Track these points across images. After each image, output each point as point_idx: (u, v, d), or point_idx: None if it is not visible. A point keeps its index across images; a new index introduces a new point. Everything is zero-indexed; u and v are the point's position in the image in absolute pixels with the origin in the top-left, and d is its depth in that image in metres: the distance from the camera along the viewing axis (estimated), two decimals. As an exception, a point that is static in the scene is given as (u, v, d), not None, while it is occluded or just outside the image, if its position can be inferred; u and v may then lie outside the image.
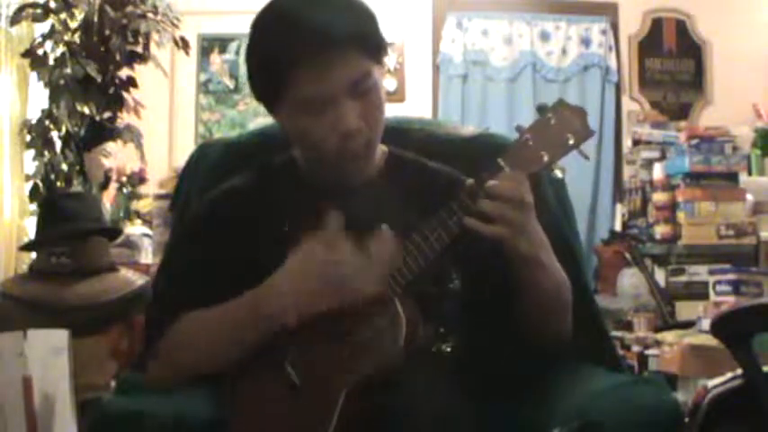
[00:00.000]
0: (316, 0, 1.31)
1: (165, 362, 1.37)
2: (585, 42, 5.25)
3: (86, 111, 3.64)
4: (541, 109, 1.29)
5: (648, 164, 4.29)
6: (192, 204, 1.68)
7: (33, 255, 3.05)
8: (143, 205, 4.15)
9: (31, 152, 3.74)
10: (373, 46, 1.34)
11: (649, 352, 3.53)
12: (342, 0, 1.33)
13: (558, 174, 1.30)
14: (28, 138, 3.70)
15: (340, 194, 1.40)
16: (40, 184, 3.66)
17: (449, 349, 1.36)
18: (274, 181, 1.47)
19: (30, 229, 3.84)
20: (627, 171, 4.82)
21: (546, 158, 1.26)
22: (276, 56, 1.30)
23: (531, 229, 1.28)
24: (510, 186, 1.24)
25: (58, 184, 3.62)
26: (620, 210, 4.73)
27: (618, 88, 5.28)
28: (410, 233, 1.27)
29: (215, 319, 1.34)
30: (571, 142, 1.26)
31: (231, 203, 1.45)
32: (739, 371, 2.21)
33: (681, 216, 3.95)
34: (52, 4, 3.66)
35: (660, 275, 4.06)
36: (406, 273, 1.26)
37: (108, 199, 4.02)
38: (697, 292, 3.70)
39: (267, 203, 1.43)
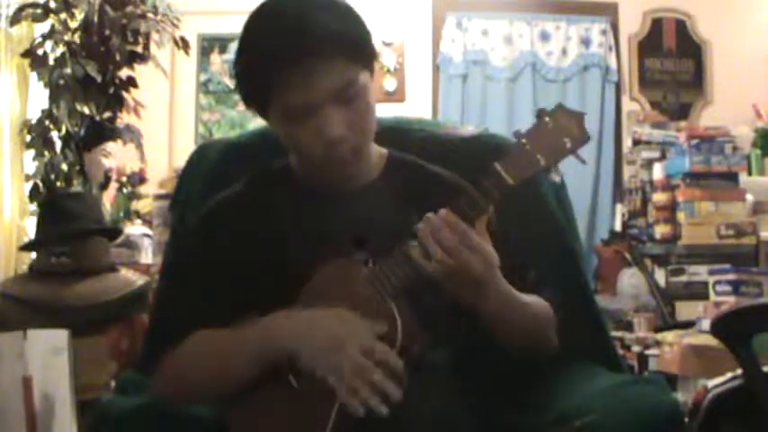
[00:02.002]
0: (301, 6, 1.30)
1: (169, 382, 1.37)
2: (585, 42, 5.24)
3: (86, 111, 3.64)
4: (539, 113, 1.28)
5: (648, 164, 4.29)
6: (193, 208, 1.67)
7: (33, 255, 3.05)
8: (143, 205, 4.15)
9: (31, 152, 3.74)
10: (360, 52, 1.33)
11: (649, 352, 3.53)
12: (328, 6, 1.32)
13: (556, 178, 1.30)
14: (28, 138, 3.70)
15: (338, 199, 1.39)
16: (40, 184, 3.66)
17: (446, 357, 1.36)
18: (271, 188, 1.46)
19: (30, 229, 3.84)
20: (627, 171, 4.82)
21: (543, 163, 1.25)
22: (261, 62, 1.30)
23: (475, 281, 1.23)
24: (443, 234, 1.21)
25: (58, 184, 3.62)
26: (620, 210, 4.73)
27: (618, 88, 5.28)
28: (404, 239, 1.26)
29: (221, 350, 1.33)
30: (568, 146, 1.25)
31: (229, 215, 1.44)
32: (739, 371, 2.22)
33: (681, 216, 3.95)
34: (52, 4, 3.66)
35: (660, 275, 4.07)
36: (401, 276, 1.26)
37: (108, 199, 4.02)
38: (697, 292, 3.70)
39: (265, 212, 1.42)
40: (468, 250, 1.21)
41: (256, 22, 1.34)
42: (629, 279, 4.12)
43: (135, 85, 3.78)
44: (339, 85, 1.29)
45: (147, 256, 3.59)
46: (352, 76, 1.30)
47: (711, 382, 2.31)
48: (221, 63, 5.18)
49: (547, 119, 1.26)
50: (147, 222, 3.93)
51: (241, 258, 1.38)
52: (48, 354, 2.37)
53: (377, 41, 1.39)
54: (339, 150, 1.32)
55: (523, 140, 1.26)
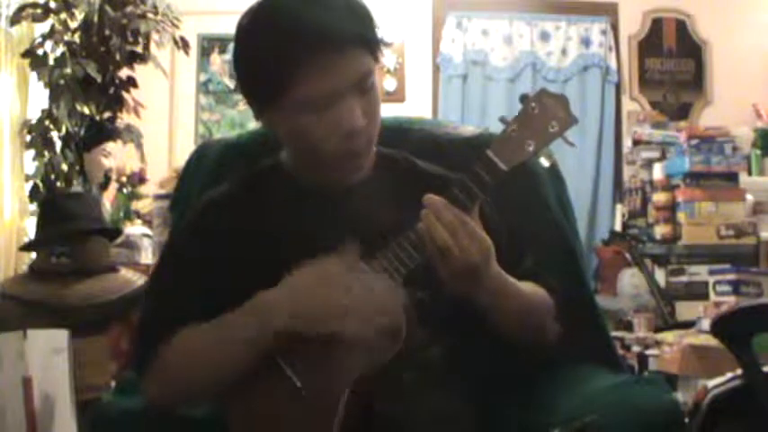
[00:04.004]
0: None
1: (161, 381, 1.34)
2: (585, 42, 5.25)
3: (86, 111, 3.65)
4: (524, 99, 1.29)
5: (648, 164, 4.29)
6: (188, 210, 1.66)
7: (33, 255, 3.05)
8: (143, 205, 4.15)
9: (31, 152, 3.75)
10: (374, 43, 1.33)
11: (649, 352, 3.53)
12: None
13: (545, 162, 1.31)
14: (28, 138, 3.71)
15: (333, 196, 1.39)
16: (40, 184, 3.67)
17: (445, 352, 1.36)
18: (263, 187, 1.44)
19: (30, 229, 3.84)
20: (627, 171, 4.82)
21: (533, 147, 1.26)
22: (278, 55, 1.27)
23: (471, 268, 1.23)
24: (444, 214, 1.21)
25: (58, 184, 3.63)
26: (620, 210, 4.73)
27: (618, 88, 5.28)
28: (399, 234, 1.26)
29: (212, 338, 1.30)
30: (556, 130, 1.27)
31: (220, 215, 1.42)
32: (739, 371, 2.22)
33: (681, 216, 3.95)
34: (52, 4, 3.67)
35: (660, 275, 4.07)
36: (399, 268, 1.25)
37: (108, 199, 4.02)
38: (697, 292, 3.70)
39: (258, 211, 1.40)
40: (467, 235, 1.21)
41: (269, 10, 1.32)
42: (629, 279, 4.12)
43: (135, 85, 3.79)
44: (360, 74, 1.29)
45: (147, 256, 3.59)
46: (369, 66, 1.31)
47: (711, 382, 2.30)
48: (221, 63, 5.18)
49: (533, 104, 1.28)
50: (147, 222, 3.92)
51: (234, 259, 1.36)
52: (48, 354, 2.37)
53: (377, 41, 1.40)
54: (357, 141, 1.32)
55: (513, 126, 1.27)
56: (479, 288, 1.26)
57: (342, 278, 1.23)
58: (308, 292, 1.24)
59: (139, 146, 3.82)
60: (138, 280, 2.83)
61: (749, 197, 4.01)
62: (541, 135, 1.26)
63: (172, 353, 1.33)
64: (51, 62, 3.64)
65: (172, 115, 5.13)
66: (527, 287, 1.36)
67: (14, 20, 3.70)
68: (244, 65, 1.35)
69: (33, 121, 3.73)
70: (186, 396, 1.34)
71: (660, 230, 4.06)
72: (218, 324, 1.30)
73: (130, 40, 3.70)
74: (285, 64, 1.27)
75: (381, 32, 1.37)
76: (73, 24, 3.69)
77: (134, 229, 3.84)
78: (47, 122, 3.67)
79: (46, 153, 3.67)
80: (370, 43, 1.31)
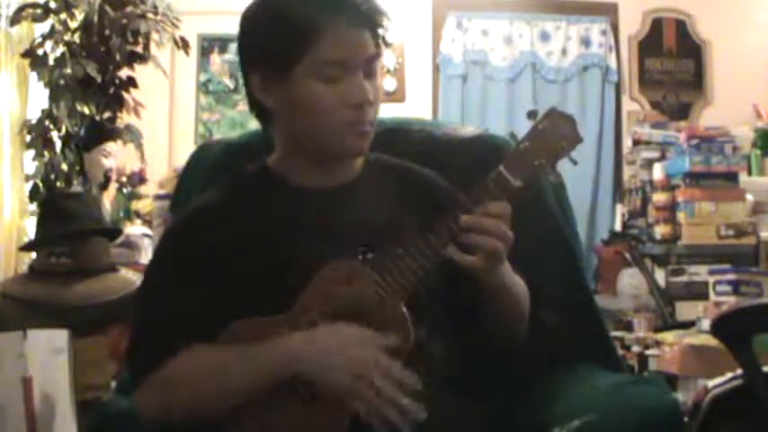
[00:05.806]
0: None
1: (163, 398, 1.32)
2: (585, 42, 5.24)
3: (86, 111, 3.65)
4: (532, 115, 1.33)
5: (648, 164, 4.29)
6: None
7: (33, 255, 3.05)
8: (143, 205, 4.15)
9: (31, 152, 3.75)
10: (380, 31, 1.36)
11: (649, 352, 3.53)
12: None
13: (555, 179, 1.35)
14: (28, 138, 3.71)
15: (325, 197, 1.38)
16: (40, 184, 3.67)
17: (448, 356, 1.36)
18: (249, 191, 1.43)
19: (30, 229, 3.84)
20: (627, 171, 4.82)
21: (543, 164, 1.30)
22: (301, 16, 1.30)
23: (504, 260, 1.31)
24: (493, 222, 1.27)
25: (58, 184, 3.63)
26: (620, 210, 4.73)
27: (618, 88, 5.28)
28: (405, 247, 1.27)
29: (225, 369, 1.29)
30: (565, 148, 1.31)
31: (205, 222, 1.40)
32: (739, 371, 2.22)
33: (681, 216, 3.95)
34: (52, 4, 3.67)
35: (660, 275, 4.06)
36: (409, 276, 1.26)
37: (108, 199, 4.02)
38: (697, 292, 3.70)
39: (244, 216, 1.39)
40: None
41: None
42: (629, 279, 4.12)
43: (135, 85, 3.79)
44: (373, 53, 1.34)
45: (147, 256, 3.58)
46: (376, 51, 1.35)
47: (711, 382, 2.31)
48: (221, 63, 5.18)
49: (545, 122, 1.31)
50: (147, 222, 3.92)
51: (224, 265, 1.34)
52: (48, 354, 2.37)
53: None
54: (366, 116, 1.33)
55: (526, 143, 1.30)
56: (502, 274, 1.32)
57: (377, 352, 1.24)
58: (340, 364, 1.23)
59: (139, 146, 3.82)
60: (138, 280, 2.82)
61: (749, 197, 4.01)
62: (552, 152, 1.30)
63: (180, 373, 1.31)
64: (51, 62, 3.64)
65: (172, 115, 5.13)
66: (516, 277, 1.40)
67: (14, 20, 3.70)
68: (264, 27, 1.35)
69: (33, 121, 3.73)
70: (188, 415, 1.31)
71: (660, 230, 4.06)
72: (235, 356, 1.28)
73: (130, 40, 3.70)
74: (306, 25, 1.30)
75: (389, 31, 1.40)
76: (73, 24, 3.69)
77: (134, 229, 3.84)
78: (47, 122, 3.67)
79: (46, 153, 3.67)
80: (379, 32, 1.35)
